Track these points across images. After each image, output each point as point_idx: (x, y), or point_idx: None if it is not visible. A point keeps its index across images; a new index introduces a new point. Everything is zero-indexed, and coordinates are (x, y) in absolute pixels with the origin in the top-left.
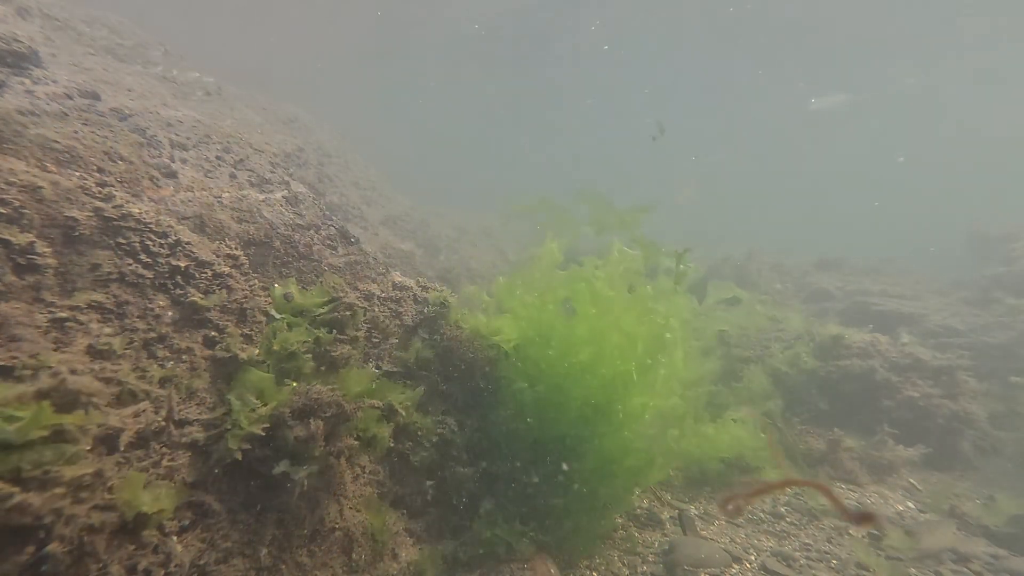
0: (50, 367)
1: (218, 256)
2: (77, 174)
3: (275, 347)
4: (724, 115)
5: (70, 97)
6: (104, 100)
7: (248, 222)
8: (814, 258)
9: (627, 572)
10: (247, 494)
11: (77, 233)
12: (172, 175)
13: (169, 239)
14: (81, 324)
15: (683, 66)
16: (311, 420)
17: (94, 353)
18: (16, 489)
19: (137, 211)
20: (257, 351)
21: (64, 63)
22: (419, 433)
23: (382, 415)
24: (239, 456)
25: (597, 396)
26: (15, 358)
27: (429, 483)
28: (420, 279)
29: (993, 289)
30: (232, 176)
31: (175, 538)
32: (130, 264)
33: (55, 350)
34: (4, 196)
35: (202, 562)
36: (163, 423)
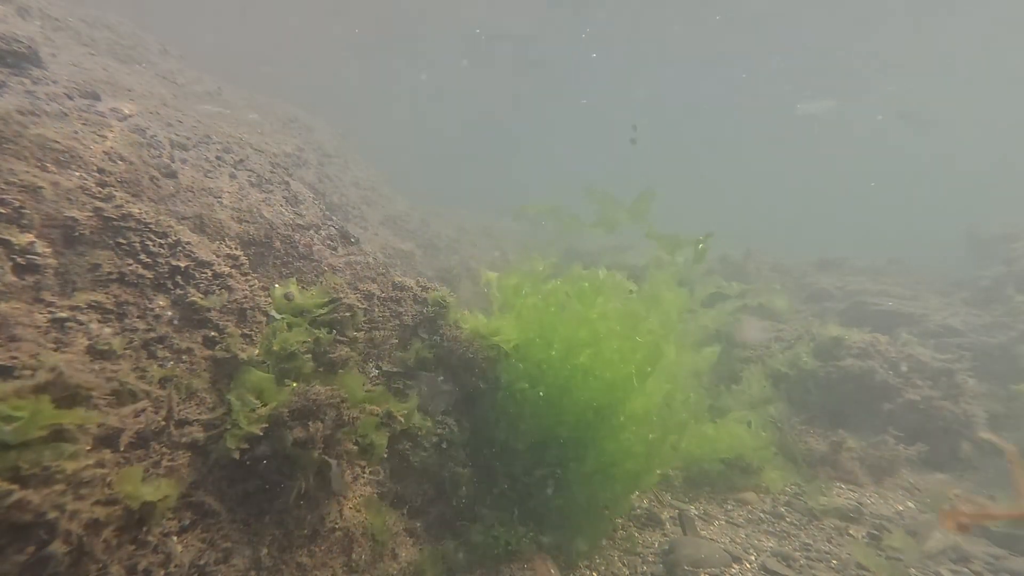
0: (48, 364)
1: (218, 256)
2: (77, 174)
3: (275, 347)
4: (714, 119)
5: (70, 97)
6: (104, 100)
7: (248, 222)
8: (814, 258)
9: (627, 572)
10: (247, 494)
11: (77, 233)
12: (172, 175)
13: (169, 239)
14: (81, 324)
15: (672, 70)
16: (310, 423)
17: (94, 353)
18: (15, 487)
19: (137, 211)
20: (257, 351)
21: (64, 63)
22: (419, 434)
23: (381, 422)
24: (237, 456)
25: (599, 399)
26: (15, 358)
27: (429, 483)
28: (420, 279)
29: (998, 287)
30: (232, 176)
31: (175, 538)
32: (130, 264)
33: (55, 350)
34: (4, 196)
35: (202, 562)
36: (163, 423)
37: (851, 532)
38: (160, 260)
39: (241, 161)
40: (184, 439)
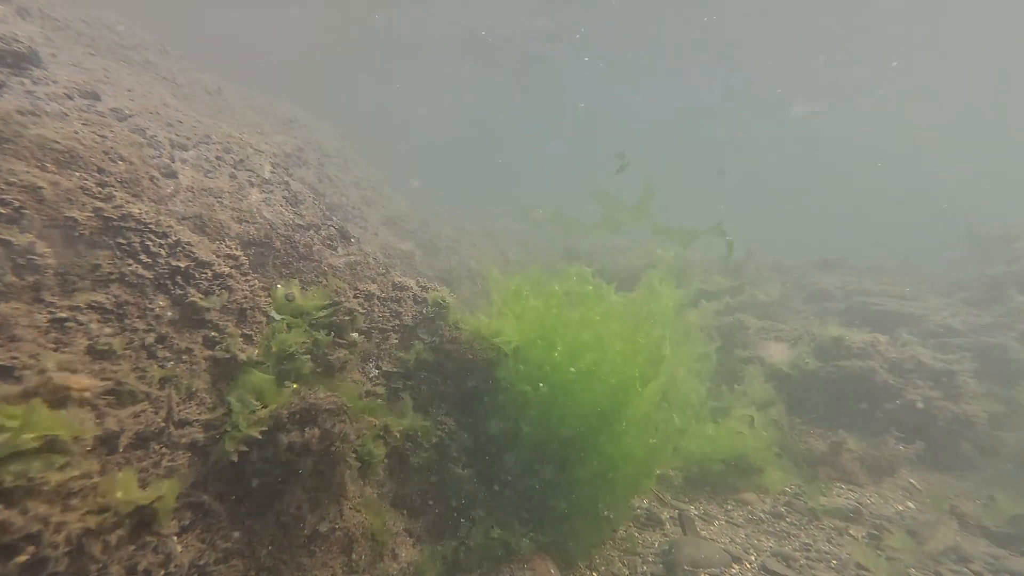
0: (41, 367)
1: (218, 256)
2: (77, 174)
3: (273, 348)
4: (712, 122)
5: (70, 97)
6: (104, 100)
7: (248, 222)
8: (814, 258)
9: (627, 572)
10: (247, 494)
11: (77, 233)
12: (172, 175)
13: (169, 239)
14: (81, 324)
15: (668, 74)
16: (306, 428)
17: (94, 353)
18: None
19: (137, 211)
20: (257, 352)
21: (64, 63)
22: (419, 434)
23: (378, 435)
24: (235, 459)
25: (603, 403)
26: (15, 358)
27: (429, 483)
28: (420, 279)
29: (998, 287)
30: (232, 176)
31: (175, 538)
32: (130, 264)
33: (55, 350)
34: (4, 196)
35: (202, 562)
36: (163, 424)
37: (851, 532)
38: (160, 260)
39: (241, 161)
40: (184, 440)
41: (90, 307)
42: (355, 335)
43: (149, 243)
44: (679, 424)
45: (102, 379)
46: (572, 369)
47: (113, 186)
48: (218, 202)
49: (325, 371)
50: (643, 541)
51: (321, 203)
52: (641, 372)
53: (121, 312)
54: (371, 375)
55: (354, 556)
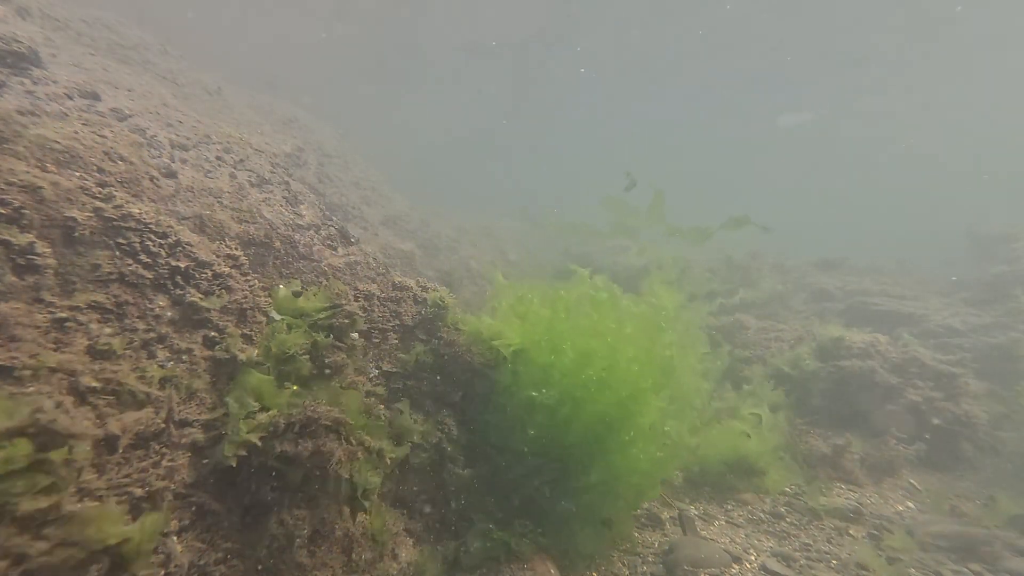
0: (36, 407)
1: (218, 256)
2: (77, 174)
3: (272, 349)
4: (710, 127)
5: (70, 97)
6: (104, 100)
7: (248, 222)
8: (815, 258)
9: (627, 572)
10: (247, 494)
11: (77, 233)
12: (172, 175)
13: (169, 239)
14: (81, 324)
15: (665, 83)
16: (299, 441)
17: (94, 353)
18: None
19: (137, 211)
20: (257, 352)
21: (64, 63)
22: (419, 435)
23: (375, 465)
24: (234, 463)
25: (612, 412)
26: (15, 358)
27: (429, 484)
28: (420, 279)
29: (999, 287)
30: (232, 176)
31: (175, 538)
32: (130, 264)
33: (55, 350)
34: (4, 196)
35: (202, 562)
36: (163, 424)
37: (851, 532)
38: (160, 260)
39: (241, 161)
40: (184, 440)
41: (90, 307)
42: (355, 335)
43: (149, 243)
44: (687, 439)
45: (102, 379)
46: (582, 376)
47: (113, 186)
48: (218, 202)
49: (325, 373)
50: (643, 541)
51: (321, 203)
52: (654, 383)
53: (121, 312)
54: (371, 375)
55: (354, 556)
